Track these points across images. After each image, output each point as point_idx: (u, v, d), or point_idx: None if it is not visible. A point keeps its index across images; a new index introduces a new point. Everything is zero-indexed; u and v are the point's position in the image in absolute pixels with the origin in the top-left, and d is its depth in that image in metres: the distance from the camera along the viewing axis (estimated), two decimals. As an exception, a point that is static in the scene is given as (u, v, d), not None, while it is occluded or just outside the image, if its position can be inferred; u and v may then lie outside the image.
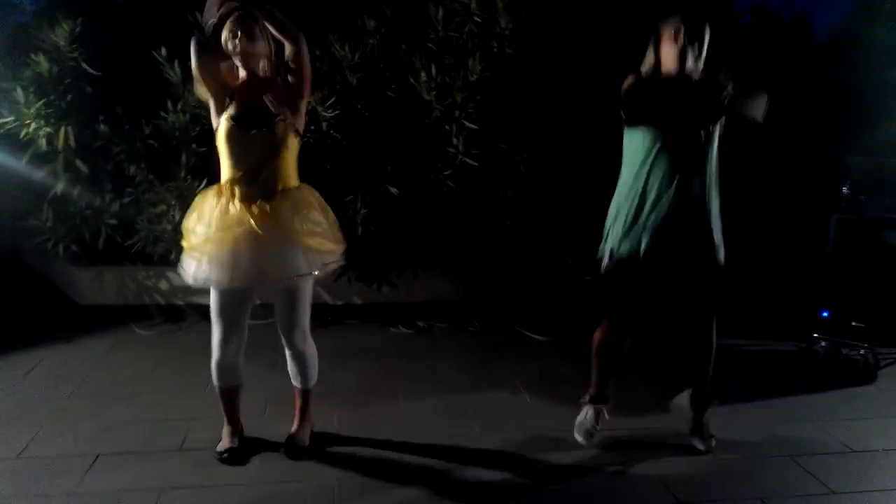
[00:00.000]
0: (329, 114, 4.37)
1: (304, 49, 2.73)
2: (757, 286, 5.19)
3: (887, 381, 3.91)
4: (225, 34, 2.63)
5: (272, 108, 2.64)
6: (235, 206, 2.66)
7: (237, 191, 2.68)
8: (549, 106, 4.69)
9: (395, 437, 3.17)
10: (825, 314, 4.31)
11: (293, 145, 2.75)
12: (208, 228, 2.66)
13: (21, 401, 3.50)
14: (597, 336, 3.09)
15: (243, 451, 2.98)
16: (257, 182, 2.67)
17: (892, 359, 4.17)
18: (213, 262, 2.64)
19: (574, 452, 3.07)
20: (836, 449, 3.12)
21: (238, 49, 2.63)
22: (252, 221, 2.62)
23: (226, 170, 2.71)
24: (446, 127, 4.57)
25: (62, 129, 4.36)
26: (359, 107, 4.58)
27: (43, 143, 4.35)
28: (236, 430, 3.03)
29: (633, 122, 2.84)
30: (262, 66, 2.72)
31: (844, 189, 4.27)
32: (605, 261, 2.96)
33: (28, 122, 4.29)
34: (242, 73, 2.70)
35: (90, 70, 4.44)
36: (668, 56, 2.74)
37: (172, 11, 4.59)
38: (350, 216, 4.46)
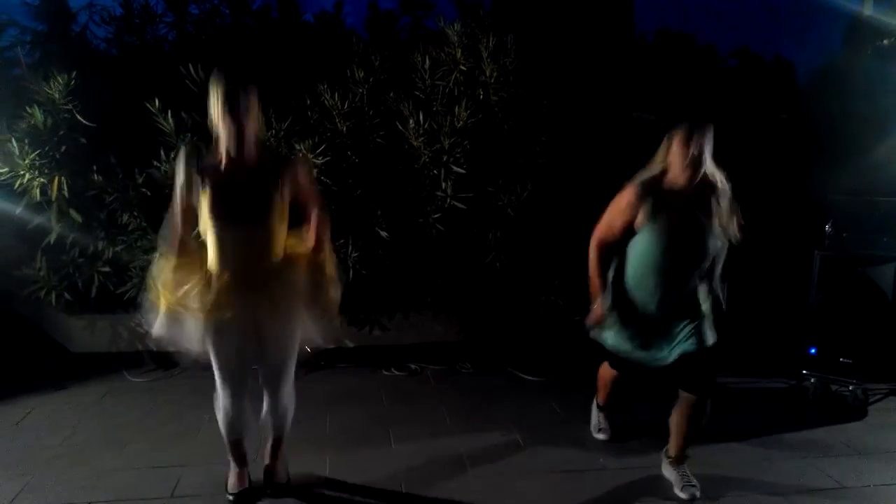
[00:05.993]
0: (320, 160, 4.43)
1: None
2: (746, 324, 5.22)
3: (877, 417, 3.93)
4: (220, 108, 2.53)
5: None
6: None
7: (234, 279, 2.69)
8: (535, 150, 4.80)
9: (388, 482, 3.17)
10: (813, 351, 4.34)
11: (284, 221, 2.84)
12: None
13: (12, 449, 3.48)
14: (601, 373, 3.42)
15: (252, 493, 2.99)
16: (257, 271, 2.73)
17: (881, 394, 4.19)
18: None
19: (569, 494, 3.07)
20: (828, 485, 3.13)
21: (239, 120, 2.56)
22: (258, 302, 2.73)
23: (220, 258, 2.70)
24: (434, 172, 4.65)
25: (56, 179, 4.41)
26: (349, 153, 4.66)
27: (37, 193, 4.39)
28: (245, 473, 3.03)
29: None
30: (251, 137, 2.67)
31: (827, 227, 4.34)
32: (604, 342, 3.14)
33: (22, 172, 4.34)
34: (223, 148, 2.61)
35: (84, 121, 4.50)
36: (677, 163, 2.79)
37: (165, 64, 4.69)
38: (341, 260, 4.50)
